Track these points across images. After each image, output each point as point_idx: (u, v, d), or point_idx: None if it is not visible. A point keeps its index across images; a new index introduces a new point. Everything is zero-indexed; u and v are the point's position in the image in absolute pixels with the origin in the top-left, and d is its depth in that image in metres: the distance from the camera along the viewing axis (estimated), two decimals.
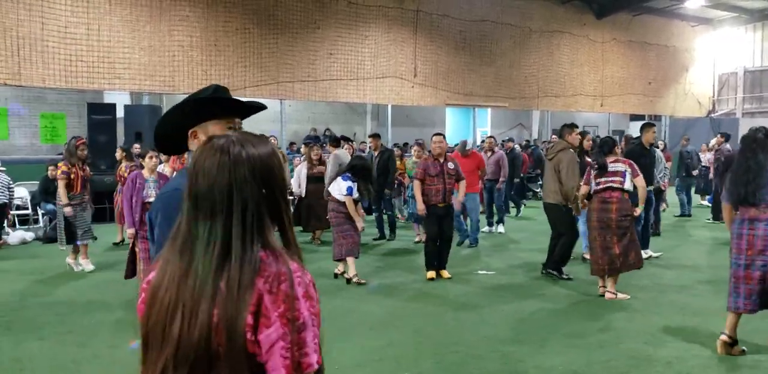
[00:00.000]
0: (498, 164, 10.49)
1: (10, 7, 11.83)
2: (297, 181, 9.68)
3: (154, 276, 1.39)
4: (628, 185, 6.33)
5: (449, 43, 18.09)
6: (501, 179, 10.48)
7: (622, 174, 6.33)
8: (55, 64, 12.35)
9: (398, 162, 10.83)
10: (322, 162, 9.76)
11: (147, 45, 13.37)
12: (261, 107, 2.24)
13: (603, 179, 6.39)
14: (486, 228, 10.78)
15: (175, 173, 8.73)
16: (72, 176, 7.49)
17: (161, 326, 1.32)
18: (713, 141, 13.75)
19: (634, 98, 22.51)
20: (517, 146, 15.47)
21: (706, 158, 14.35)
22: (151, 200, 6.45)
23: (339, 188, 7.06)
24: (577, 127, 7.49)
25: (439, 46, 17.88)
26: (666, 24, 23.00)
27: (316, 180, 9.46)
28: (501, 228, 10.81)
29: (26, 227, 10.82)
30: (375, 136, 10.86)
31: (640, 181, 6.44)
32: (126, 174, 8.70)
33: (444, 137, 7.64)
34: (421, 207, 7.29)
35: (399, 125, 19.42)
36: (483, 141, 17.23)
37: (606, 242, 6.29)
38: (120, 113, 13.28)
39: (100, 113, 12.53)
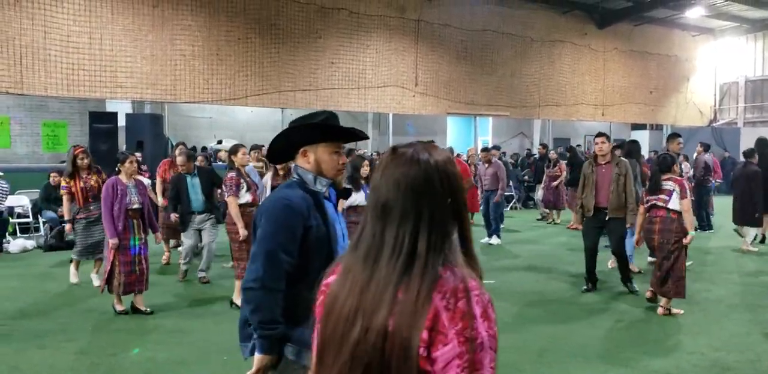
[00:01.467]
0: (496, 176, 10.47)
1: (12, 16, 11.91)
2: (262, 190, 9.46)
3: (334, 281, 1.37)
4: (673, 205, 5.93)
5: (450, 53, 18.16)
6: (499, 192, 10.44)
7: (669, 193, 5.97)
8: (57, 73, 12.42)
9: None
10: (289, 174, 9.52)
11: (149, 54, 13.44)
12: (364, 137, 2.52)
13: (651, 197, 6.12)
14: (484, 239, 10.70)
15: (158, 180, 8.83)
16: (72, 189, 7.03)
17: (340, 332, 1.29)
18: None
19: (635, 107, 22.56)
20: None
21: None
22: (135, 206, 5.99)
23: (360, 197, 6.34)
24: (603, 135, 7.18)
25: (441, 55, 17.95)
26: (667, 34, 23.09)
27: None
28: (496, 240, 10.61)
29: (27, 235, 10.83)
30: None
31: (686, 204, 5.92)
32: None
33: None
34: None
35: (400, 134, 19.47)
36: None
37: (656, 264, 6.16)
38: (122, 121, 13.34)
39: (101, 121, 12.58)
